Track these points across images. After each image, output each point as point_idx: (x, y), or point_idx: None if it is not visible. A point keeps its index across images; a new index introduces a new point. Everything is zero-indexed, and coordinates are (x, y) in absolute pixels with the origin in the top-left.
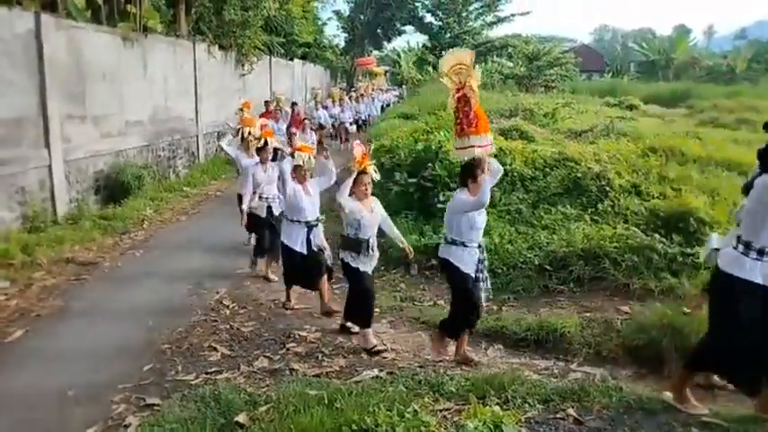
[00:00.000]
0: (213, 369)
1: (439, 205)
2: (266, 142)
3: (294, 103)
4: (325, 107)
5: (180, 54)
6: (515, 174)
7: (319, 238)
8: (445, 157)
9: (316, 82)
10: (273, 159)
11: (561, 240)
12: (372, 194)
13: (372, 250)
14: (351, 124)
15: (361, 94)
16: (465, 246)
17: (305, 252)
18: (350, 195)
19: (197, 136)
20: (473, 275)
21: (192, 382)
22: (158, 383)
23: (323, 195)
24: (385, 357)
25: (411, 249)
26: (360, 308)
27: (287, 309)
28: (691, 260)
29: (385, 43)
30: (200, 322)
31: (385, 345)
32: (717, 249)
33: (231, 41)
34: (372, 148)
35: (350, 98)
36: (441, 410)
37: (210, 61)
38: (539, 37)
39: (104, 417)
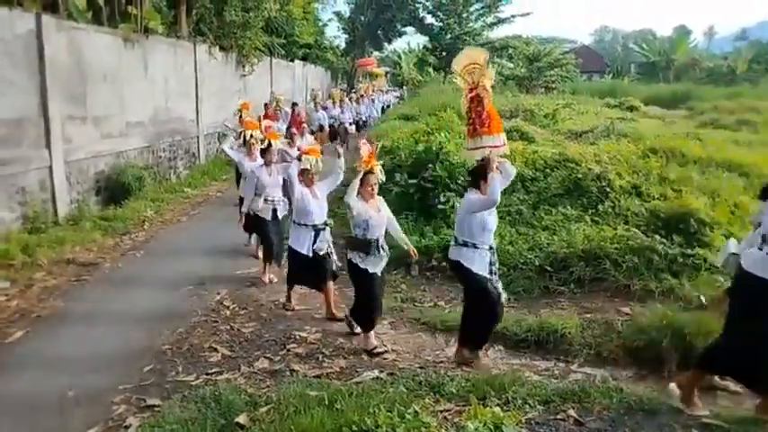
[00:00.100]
0: (214, 370)
1: (439, 206)
2: (270, 144)
3: (294, 104)
4: (325, 108)
5: (181, 55)
6: (516, 175)
7: (326, 242)
8: (446, 158)
9: (316, 83)
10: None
11: (562, 241)
12: None
13: (381, 250)
14: (350, 125)
15: (362, 95)
16: (476, 247)
17: (310, 255)
18: (356, 196)
19: (197, 137)
20: (488, 276)
21: (193, 383)
22: (159, 384)
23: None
24: (385, 358)
25: (415, 252)
26: (363, 312)
27: (287, 310)
28: (691, 261)
29: (385, 44)
30: (201, 323)
31: (385, 346)
32: (734, 254)
33: (232, 42)
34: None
35: (350, 99)
36: (441, 411)
37: (211, 62)
38: (539, 38)
39: (105, 417)
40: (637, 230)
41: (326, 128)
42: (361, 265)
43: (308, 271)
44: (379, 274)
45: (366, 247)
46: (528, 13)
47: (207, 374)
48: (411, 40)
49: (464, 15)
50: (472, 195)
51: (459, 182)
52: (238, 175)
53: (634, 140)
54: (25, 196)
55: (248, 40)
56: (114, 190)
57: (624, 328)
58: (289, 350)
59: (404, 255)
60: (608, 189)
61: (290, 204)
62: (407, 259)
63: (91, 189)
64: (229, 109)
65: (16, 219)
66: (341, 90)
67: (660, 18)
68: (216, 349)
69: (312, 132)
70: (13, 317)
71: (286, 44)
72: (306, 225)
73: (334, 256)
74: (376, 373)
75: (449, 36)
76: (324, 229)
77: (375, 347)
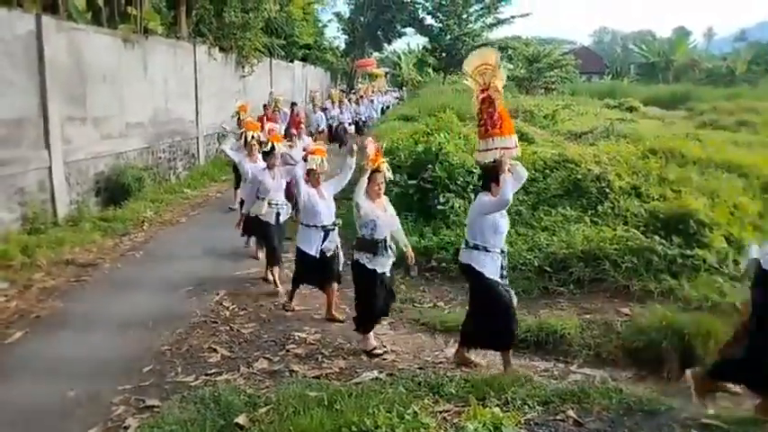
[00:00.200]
0: (213, 370)
1: (439, 207)
2: (273, 147)
3: (293, 104)
4: (325, 109)
5: (180, 56)
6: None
7: (334, 243)
8: (445, 158)
9: (316, 84)
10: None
11: (561, 242)
12: None
13: (388, 250)
14: (350, 125)
15: (361, 96)
16: (488, 251)
17: (318, 256)
18: (364, 195)
19: (197, 138)
20: (499, 280)
21: (192, 384)
22: (158, 385)
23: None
24: (385, 359)
25: (412, 256)
26: (364, 312)
27: (287, 310)
28: (690, 262)
29: (385, 45)
30: (200, 324)
31: (385, 347)
32: (756, 259)
33: (232, 43)
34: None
35: (349, 100)
36: (440, 412)
37: (211, 63)
38: (539, 39)
39: (104, 418)
40: (636, 231)
41: (325, 129)
42: (369, 266)
43: (316, 271)
44: (388, 274)
45: (373, 247)
46: (527, 14)
47: (206, 375)
48: (411, 41)
49: (464, 16)
50: (484, 197)
51: (459, 182)
52: (237, 178)
53: (633, 141)
54: (24, 197)
55: (248, 40)
56: (114, 191)
57: (623, 328)
58: (288, 351)
59: (401, 255)
60: (607, 190)
61: (294, 208)
62: (407, 260)
63: (90, 190)
64: (229, 110)
65: (15, 219)
66: (340, 91)
67: (659, 19)
68: (215, 350)
69: (311, 134)
70: (12, 318)
71: (286, 45)
72: (315, 226)
73: (341, 257)
74: (375, 373)
75: (448, 37)
76: (333, 229)
77: (374, 348)
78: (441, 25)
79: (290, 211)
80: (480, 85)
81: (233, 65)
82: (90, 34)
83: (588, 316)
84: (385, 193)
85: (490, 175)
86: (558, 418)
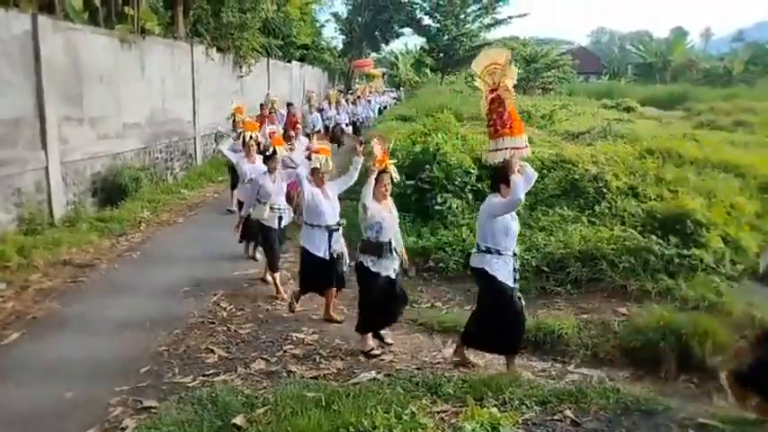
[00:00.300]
0: (210, 371)
1: (436, 207)
2: (275, 151)
3: (289, 104)
4: (321, 110)
5: (177, 56)
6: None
7: (340, 243)
8: (443, 159)
9: (314, 84)
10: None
11: (558, 242)
12: None
13: (393, 253)
14: (347, 126)
15: (358, 97)
16: (500, 254)
17: (327, 258)
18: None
19: (194, 138)
20: (512, 285)
21: (189, 385)
22: (155, 386)
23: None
24: (382, 359)
25: (406, 260)
26: (365, 313)
27: (291, 311)
28: (687, 262)
29: (383, 45)
30: (198, 324)
31: (382, 347)
32: None
33: (229, 43)
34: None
35: (346, 101)
36: (438, 412)
37: (208, 63)
38: (536, 39)
39: (101, 419)
40: (633, 231)
41: (321, 130)
42: (373, 269)
43: (323, 272)
44: (393, 277)
45: (378, 250)
46: (525, 15)
47: (204, 376)
48: (408, 42)
49: (461, 17)
50: (493, 199)
51: (456, 183)
52: (233, 179)
53: (631, 141)
54: (21, 197)
55: (245, 41)
56: (111, 191)
57: (621, 328)
58: (286, 351)
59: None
60: (605, 190)
61: (295, 212)
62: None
63: (87, 190)
64: (226, 110)
65: (12, 220)
66: (338, 91)
67: (657, 19)
68: (213, 351)
69: (307, 135)
70: (8, 319)
71: (283, 45)
72: (319, 226)
73: (347, 258)
74: (373, 374)
75: (446, 37)
76: (337, 229)
77: (372, 349)
78: (438, 26)
79: (292, 215)
80: (489, 85)
81: (230, 65)
82: (87, 34)
83: (585, 316)
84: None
85: (499, 176)
86: (555, 418)
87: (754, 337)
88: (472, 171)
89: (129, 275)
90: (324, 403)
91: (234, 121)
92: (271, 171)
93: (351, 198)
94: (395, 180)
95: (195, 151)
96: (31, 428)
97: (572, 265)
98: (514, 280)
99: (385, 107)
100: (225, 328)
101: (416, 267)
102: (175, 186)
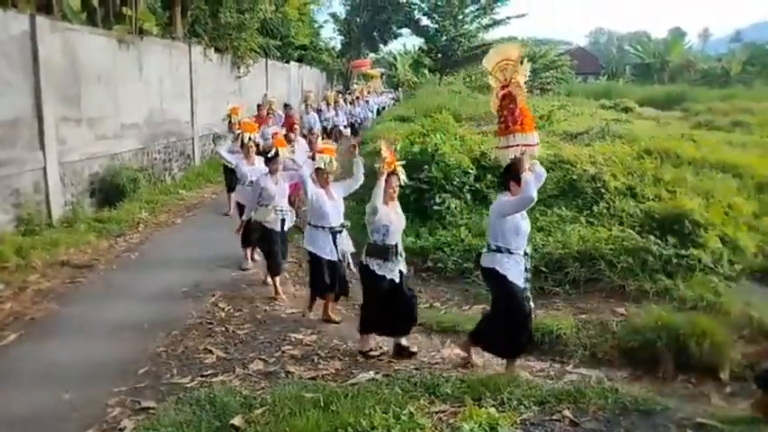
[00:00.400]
0: (208, 372)
1: (435, 207)
2: (277, 153)
3: (287, 105)
4: (319, 111)
5: (175, 56)
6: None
7: (347, 243)
8: (441, 159)
9: (312, 84)
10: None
11: (557, 242)
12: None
13: (399, 256)
14: (345, 127)
15: (357, 97)
16: (511, 253)
17: (334, 260)
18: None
19: (192, 138)
20: (522, 285)
21: (188, 385)
22: (153, 387)
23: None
24: (381, 360)
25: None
26: (366, 314)
27: (303, 316)
28: (686, 262)
29: (381, 46)
30: (196, 325)
31: (381, 348)
32: None
33: (227, 44)
34: (364, 147)
35: (344, 101)
36: (436, 412)
37: (206, 64)
38: (535, 40)
39: (100, 420)
40: (631, 231)
41: (318, 131)
42: (379, 272)
43: (332, 275)
44: (397, 280)
45: (384, 253)
46: (523, 15)
47: (202, 376)
48: (407, 42)
49: (459, 17)
50: (503, 198)
51: (455, 183)
52: (228, 181)
53: (629, 142)
54: (19, 198)
55: (243, 41)
56: (109, 192)
57: (619, 328)
58: (284, 352)
59: None
60: (603, 190)
61: (297, 215)
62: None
63: (85, 191)
64: (224, 111)
65: (10, 221)
66: (337, 92)
67: (655, 20)
68: (211, 351)
69: (303, 136)
70: (6, 319)
71: (281, 46)
72: (323, 228)
73: (350, 260)
74: (371, 374)
75: (444, 38)
76: (341, 231)
77: (371, 349)
78: (436, 26)
79: (294, 218)
80: (501, 81)
81: (228, 65)
82: (85, 35)
83: (584, 316)
84: None
85: (509, 175)
86: (554, 418)
87: None
88: (470, 171)
89: (127, 276)
90: (322, 404)
91: (230, 122)
92: (272, 172)
93: (354, 199)
94: (402, 182)
95: (193, 152)
96: (30, 429)
97: (570, 266)
98: (525, 280)
99: (383, 108)
100: (223, 329)
101: (415, 268)
102: (173, 187)
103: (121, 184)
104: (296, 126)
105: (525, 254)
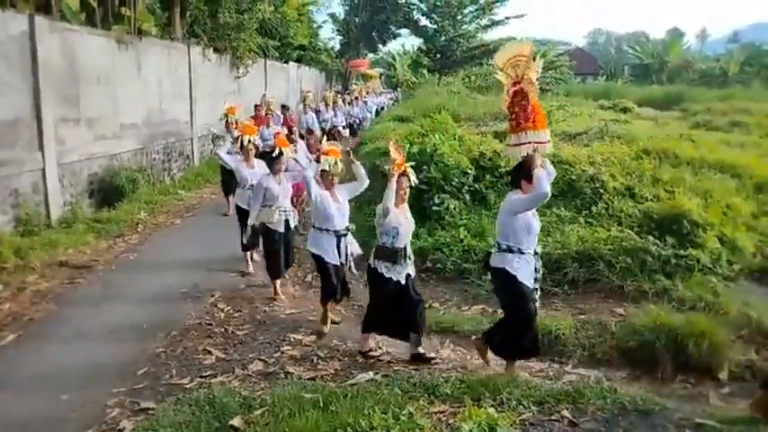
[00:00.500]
0: (208, 373)
1: (434, 208)
2: (281, 152)
3: (284, 107)
4: (318, 111)
5: (174, 57)
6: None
7: (353, 245)
8: (440, 159)
9: (311, 85)
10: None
11: (556, 242)
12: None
13: (407, 259)
14: (344, 128)
15: (355, 98)
16: (522, 253)
17: (337, 263)
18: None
19: (192, 139)
20: (531, 286)
21: (187, 386)
22: (153, 387)
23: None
24: (380, 360)
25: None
26: (371, 315)
27: (320, 338)
28: (684, 262)
29: (380, 46)
30: (195, 326)
31: (380, 348)
32: None
33: (226, 44)
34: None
35: (343, 101)
36: (436, 413)
37: (205, 64)
38: (533, 40)
39: (99, 421)
40: (630, 232)
41: (317, 132)
42: (387, 275)
43: (337, 278)
44: (404, 282)
45: (393, 256)
46: (522, 16)
47: (201, 377)
48: (405, 42)
49: (458, 17)
50: (513, 196)
51: (454, 183)
52: (225, 183)
53: (627, 142)
54: (18, 198)
55: (242, 41)
56: (108, 192)
57: (618, 328)
58: (283, 352)
59: None
60: (601, 190)
61: (301, 216)
62: None
63: (84, 191)
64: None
65: (9, 221)
66: (336, 92)
67: (653, 20)
68: (210, 352)
69: (301, 136)
70: (5, 320)
71: (280, 46)
72: (327, 230)
73: (352, 264)
74: (371, 374)
75: (443, 38)
76: (345, 234)
77: (370, 349)
78: (435, 26)
79: (298, 218)
80: (512, 78)
81: (227, 66)
82: (84, 35)
83: (583, 316)
84: (381, 195)
85: (521, 172)
86: (552, 418)
87: None
88: (469, 172)
89: (126, 277)
90: (321, 404)
91: (227, 122)
92: (275, 172)
93: (363, 202)
94: (414, 183)
95: (192, 152)
96: (29, 430)
97: (569, 266)
98: (535, 280)
99: (382, 108)
100: (222, 330)
101: (414, 268)
102: (172, 187)
103: (120, 185)
104: (294, 128)
105: (535, 253)
